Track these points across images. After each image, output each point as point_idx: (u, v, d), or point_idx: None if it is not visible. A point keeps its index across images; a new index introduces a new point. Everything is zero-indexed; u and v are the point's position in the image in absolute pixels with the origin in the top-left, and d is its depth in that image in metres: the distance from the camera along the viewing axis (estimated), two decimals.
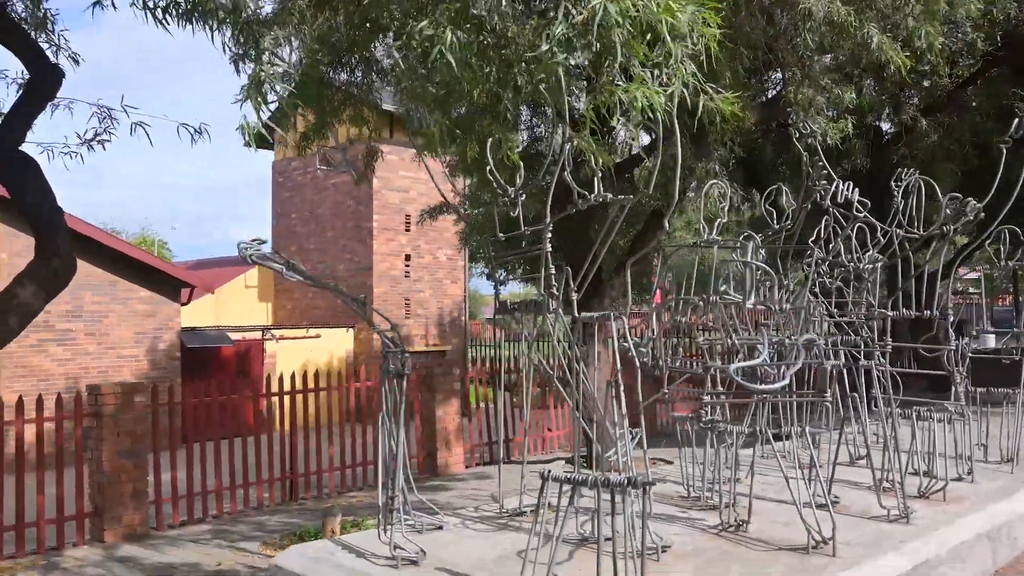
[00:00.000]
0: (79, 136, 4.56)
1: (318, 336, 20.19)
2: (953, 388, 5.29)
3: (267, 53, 3.49)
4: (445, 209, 13.04)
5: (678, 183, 3.67)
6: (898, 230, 5.37)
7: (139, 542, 7.10)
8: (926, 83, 10.76)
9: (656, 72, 3.48)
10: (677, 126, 3.64)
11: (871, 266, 4.80)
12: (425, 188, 18.62)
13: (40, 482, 7.02)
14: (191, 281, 17.82)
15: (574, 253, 9.57)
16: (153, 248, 46.85)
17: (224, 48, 4.31)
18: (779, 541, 4.19)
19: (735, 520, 4.43)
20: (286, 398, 8.98)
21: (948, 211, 4.77)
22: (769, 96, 9.81)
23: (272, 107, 4.68)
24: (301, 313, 22.65)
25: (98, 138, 4.52)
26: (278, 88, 3.51)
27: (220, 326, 19.75)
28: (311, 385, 9.22)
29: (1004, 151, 5.20)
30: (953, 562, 4.38)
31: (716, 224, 5.09)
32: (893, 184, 5.54)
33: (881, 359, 4.85)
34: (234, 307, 22.99)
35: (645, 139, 12.08)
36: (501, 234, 4.99)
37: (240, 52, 3.60)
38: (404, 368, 4.10)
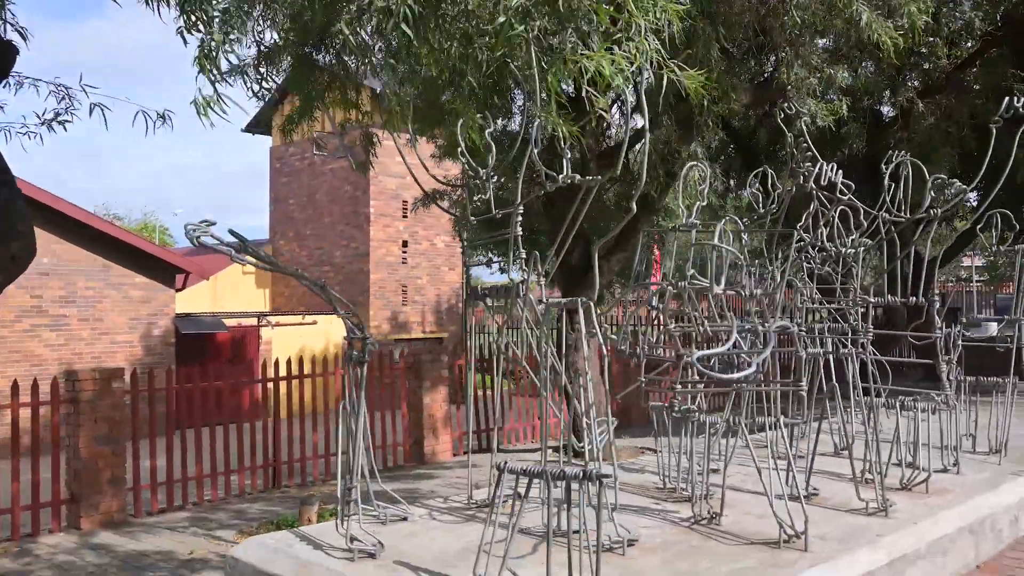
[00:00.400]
0: (38, 116, 4.42)
1: (314, 322, 20.09)
2: (942, 377, 5.14)
3: (217, 20, 3.34)
4: (438, 195, 12.93)
5: (645, 162, 3.53)
6: (884, 214, 5.23)
7: (116, 529, 7.02)
8: (925, 65, 10.56)
9: (619, 47, 3.34)
10: (645, 103, 3.49)
11: (853, 250, 4.64)
12: (422, 174, 18.48)
13: (15, 468, 6.93)
14: (186, 267, 17.73)
15: (558, 234, 9.45)
16: (154, 234, 46.90)
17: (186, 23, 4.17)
18: (752, 535, 4.06)
19: (708, 512, 4.30)
20: (270, 385, 8.89)
21: (932, 193, 4.61)
22: (764, 78, 9.63)
23: (231, 78, 4.50)
24: (299, 299, 22.58)
25: (58, 119, 4.38)
26: (232, 58, 3.35)
27: (215, 312, 19.67)
28: (295, 372, 9.11)
29: (994, 131, 5.03)
30: (933, 556, 4.26)
31: (695, 208, 4.94)
32: (883, 167, 5.39)
33: (862, 347, 4.70)
34: (232, 293, 22.93)
35: (639, 121, 11.91)
36: (472, 217, 4.87)
37: (189, 21, 3.44)
38: (364, 355, 3.96)
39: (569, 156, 4.07)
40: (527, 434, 10.74)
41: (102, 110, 4.21)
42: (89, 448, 7.12)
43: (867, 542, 3.99)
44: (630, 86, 3.31)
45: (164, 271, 17.36)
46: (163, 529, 6.99)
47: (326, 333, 20.44)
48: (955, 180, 4.44)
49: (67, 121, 4.39)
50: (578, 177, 3.99)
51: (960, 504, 4.75)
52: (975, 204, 14.69)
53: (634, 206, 3.57)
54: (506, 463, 3.20)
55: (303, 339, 19.75)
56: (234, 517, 7.34)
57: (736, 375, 3.10)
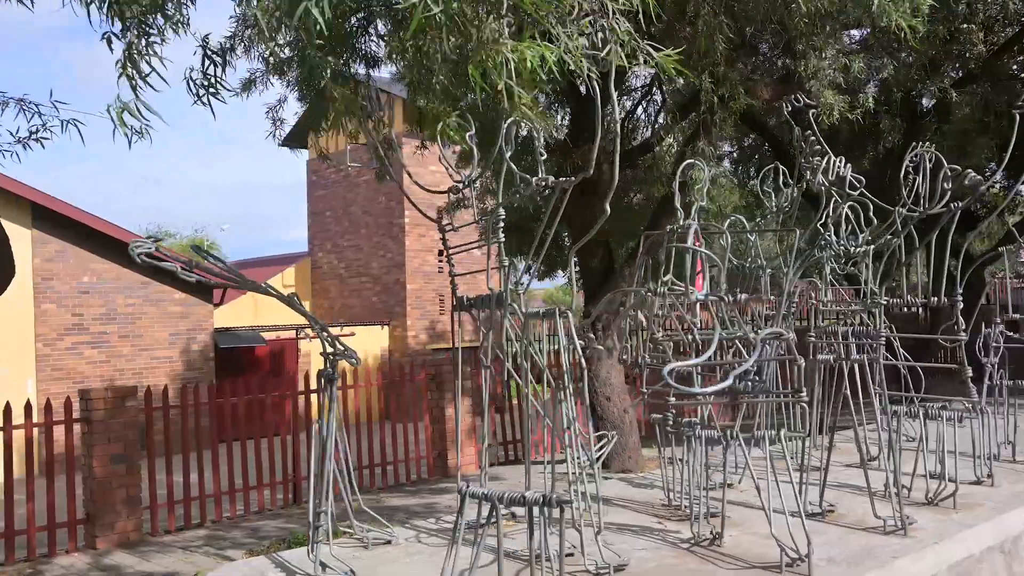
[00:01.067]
0: (12, 134, 4.36)
1: (352, 334, 20.07)
2: (967, 382, 4.78)
3: (138, 22, 3.18)
4: (463, 203, 12.77)
5: (617, 161, 3.30)
6: (900, 209, 4.90)
7: (131, 549, 6.97)
8: (963, 53, 10.09)
9: (586, 31, 3.12)
10: (613, 91, 3.27)
11: (862, 248, 4.34)
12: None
13: (30, 489, 6.93)
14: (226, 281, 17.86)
15: (579, 239, 9.20)
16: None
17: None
18: (754, 557, 3.78)
19: (711, 533, 4.03)
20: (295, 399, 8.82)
21: (945, 185, 4.28)
22: (786, 72, 9.28)
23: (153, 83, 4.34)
24: (338, 311, 22.63)
25: (33, 136, 4.31)
26: (154, 63, 3.20)
27: (254, 326, 19.79)
28: (313, 387, 9.04)
29: (1019, 118, 4.69)
30: None
31: (693, 208, 4.68)
32: (908, 160, 5.07)
33: (877, 351, 4.38)
34: (272, 306, 23.04)
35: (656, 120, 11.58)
36: (450, 225, 4.68)
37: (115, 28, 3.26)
38: (333, 372, 3.80)
39: (545, 156, 3.86)
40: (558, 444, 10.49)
41: (76, 126, 4.13)
42: (103, 467, 7.10)
43: (878, 565, 3.68)
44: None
45: (202, 287, 17.51)
46: (177, 548, 6.93)
47: (365, 343, 20.42)
48: (969, 171, 4.10)
49: (44, 139, 4.32)
50: (551, 179, 3.78)
51: (990, 520, 4.40)
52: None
53: (607, 208, 3.34)
54: (468, 486, 2.99)
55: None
56: (249, 535, 7.25)
57: (708, 389, 2.85)
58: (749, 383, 4.12)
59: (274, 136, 8.51)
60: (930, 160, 4.93)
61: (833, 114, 6.75)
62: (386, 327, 21.07)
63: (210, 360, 17.65)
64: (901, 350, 6.09)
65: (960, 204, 4.70)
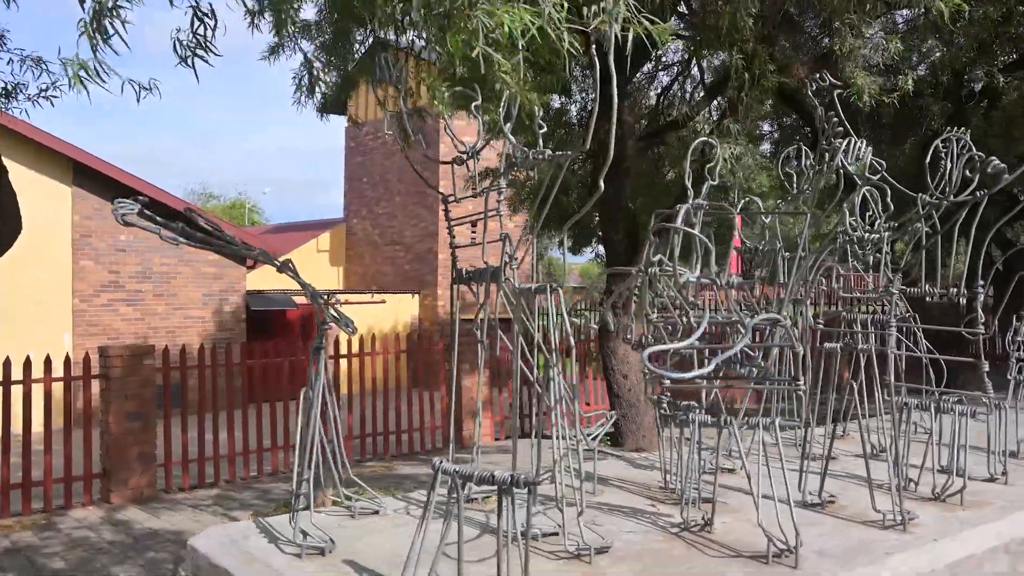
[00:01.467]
0: (22, 90, 4.35)
1: (383, 301, 20.19)
2: (983, 376, 4.61)
3: None
4: (499, 172, 12.67)
5: (612, 137, 3.19)
6: (924, 196, 4.72)
7: (143, 505, 7.09)
8: (1017, 35, 9.70)
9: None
10: (612, 64, 3.15)
11: (878, 235, 4.18)
12: (490, 152, 18.29)
13: (48, 442, 7.07)
14: (255, 244, 18.03)
15: (607, 217, 9.07)
16: (244, 213, 48.28)
17: None
18: (744, 546, 3.69)
19: (703, 519, 3.95)
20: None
21: (968, 173, 4.09)
22: (824, 51, 9.00)
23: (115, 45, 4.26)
24: (371, 278, 22.75)
25: (43, 94, 4.31)
26: (118, 24, 3.14)
27: (286, 290, 19.98)
28: (343, 351, 9.11)
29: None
30: None
31: (705, 187, 4.56)
32: (940, 145, 4.87)
33: (881, 341, 4.23)
34: (306, 271, 23.15)
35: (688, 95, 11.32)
36: (453, 196, 4.60)
37: None
38: (320, 341, 3.77)
39: (544, 128, 3.77)
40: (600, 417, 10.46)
41: (83, 82, 4.09)
42: (119, 424, 7.20)
43: (870, 561, 3.57)
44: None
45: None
46: (187, 507, 7.03)
47: (395, 311, 20.53)
48: (993, 158, 3.91)
49: (54, 96, 4.31)
50: (549, 153, 3.69)
51: (998, 520, 4.26)
52: None
53: (601, 184, 3.24)
54: (441, 462, 2.94)
55: (372, 318, 19.85)
56: (258, 497, 7.33)
57: (686, 375, 2.75)
58: (753, 369, 4.01)
59: (299, 102, 8.46)
60: (962, 147, 4.74)
61: (863, 96, 6.52)
62: (416, 296, 21.12)
63: (242, 322, 17.87)
64: (924, 341, 5.92)
65: (987, 192, 4.51)
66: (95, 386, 7.38)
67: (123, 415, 7.19)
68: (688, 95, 11.86)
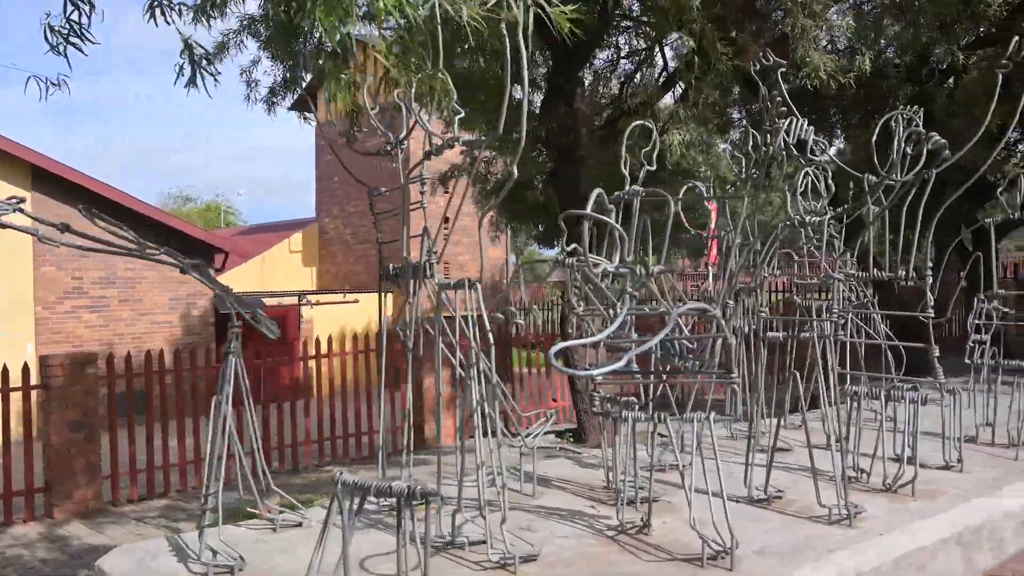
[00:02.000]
0: None
1: (356, 301, 19.90)
2: (933, 362, 4.45)
3: None
4: (457, 172, 12.45)
5: (524, 126, 2.99)
6: (872, 176, 4.56)
7: (88, 519, 6.84)
8: (978, 13, 9.56)
9: None
10: (523, 44, 2.95)
11: (817, 219, 4.01)
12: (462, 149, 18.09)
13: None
14: (223, 247, 17.75)
15: (566, 206, 8.88)
16: (219, 215, 47.77)
17: None
18: (680, 548, 3.52)
19: (642, 520, 3.77)
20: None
21: (909, 151, 3.93)
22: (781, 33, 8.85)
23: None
24: (344, 278, 22.47)
25: None
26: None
27: (258, 292, 19.67)
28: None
29: (1001, 77, 4.32)
30: (903, 573, 3.64)
31: (642, 172, 4.38)
32: (893, 124, 4.71)
33: (825, 328, 4.06)
34: (279, 272, 22.97)
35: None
36: (383, 188, 4.42)
37: None
38: (230, 345, 3.56)
39: (461, 113, 3.58)
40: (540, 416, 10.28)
41: (37, 81, 3.85)
42: (61, 435, 6.95)
43: (812, 559, 3.40)
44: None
45: (202, 251, 17.36)
46: (132, 520, 6.79)
47: (368, 311, 20.26)
48: (934, 134, 3.75)
49: None
50: (464, 138, 3.52)
51: (950, 509, 4.10)
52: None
53: (515, 170, 3.05)
54: (341, 473, 2.74)
55: (345, 318, 19.63)
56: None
57: (596, 371, 2.57)
58: (690, 362, 3.84)
59: (248, 99, 8.23)
60: (914, 125, 4.58)
61: (819, 75, 6.35)
62: (389, 295, 20.85)
63: (210, 326, 17.56)
64: (884, 327, 5.76)
65: (935, 170, 4.36)
66: (41, 396, 7.12)
67: (65, 425, 6.94)
68: (653, 83, 11.70)
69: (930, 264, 4.48)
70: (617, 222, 4.47)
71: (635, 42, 11.51)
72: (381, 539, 3.71)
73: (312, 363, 9.54)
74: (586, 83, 10.43)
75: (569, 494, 4.43)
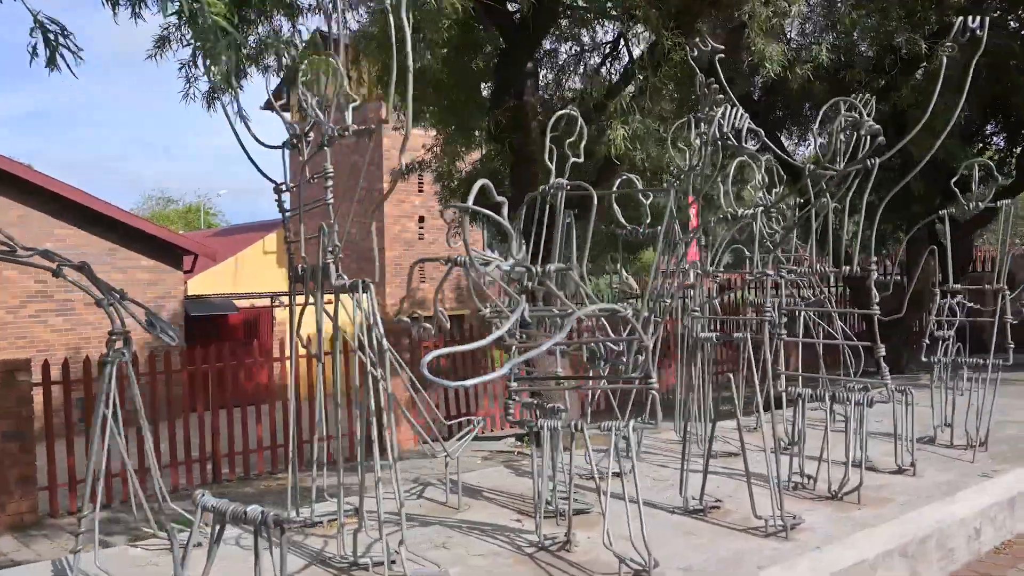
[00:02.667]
0: None
1: (328, 302, 19.58)
2: (879, 361, 4.22)
3: None
4: (416, 168, 12.17)
5: (409, 112, 2.75)
6: (811, 165, 4.33)
7: (20, 532, 6.57)
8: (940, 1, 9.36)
9: None
10: (407, 26, 2.71)
11: (750, 212, 3.77)
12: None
13: None
14: (193, 249, 17.42)
15: (517, 204, 8.63)
16: (199, 216, 47.27)
17: None
18: (601, 567, 3.27)
19: (566, 535, 3.53)
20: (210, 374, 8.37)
21: (843, 137, 3.70)
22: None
23: None
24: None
25: None
26: None
27: (229, 294, 19.35)
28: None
29: (945, 61, 4.09)
30: None
31: (567, 165, 4.13)
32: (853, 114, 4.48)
33: (762, 329, 3.82)
34: (252, 273, 22.59)
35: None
36: (285, 183, 4.17)
37: None
38: (108, 353, 3.31)
39: (356, 102, 3.32)
40: (496, 422, 10.04)
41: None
42: None
43: None
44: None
45: (171, 253, 17.04)
46: (65, 533, 6.51)
47: (343, 313, 19.97)
48: (868, 119, 3.52)
49: None
50: (354, 128, 3.27)
51: (896, 518, 3.87)
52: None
53: (402, 161, 2.80)
54: (203, 495, 2.49)
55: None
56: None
57: (471, 380, 2.33)
58: (620, 365, 3.61)
59: (187, 96, 7.92)
60: (864, 112, 4.36)
61: (769, 65, 6.12)
62: (366, 296, 20.55)
63: (180, 328, 17.23)
64: (841, 325, 5.54)
65: (877, 159, 4.13)
66: None
67: None
68: (606, 76, 11.46)
69: (874, 258, 4.25)
70: (544, 218, 4.24)
71: (601, 35, 11.28)
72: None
73: (278, 365, 9.33)
74: (543, 77, 10.20)
75: (498, 507, 4.19)
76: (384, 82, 9.14)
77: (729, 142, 3.88)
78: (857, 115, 3.89)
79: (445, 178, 11.86)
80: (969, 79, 4.06)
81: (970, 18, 3.92)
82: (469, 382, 2.24)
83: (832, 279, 4.65)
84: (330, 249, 3.37)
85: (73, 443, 7.26)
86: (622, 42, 10.67)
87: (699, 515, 3.89)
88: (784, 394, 4.22)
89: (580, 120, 4.02)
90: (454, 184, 12.07)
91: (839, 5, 9.65)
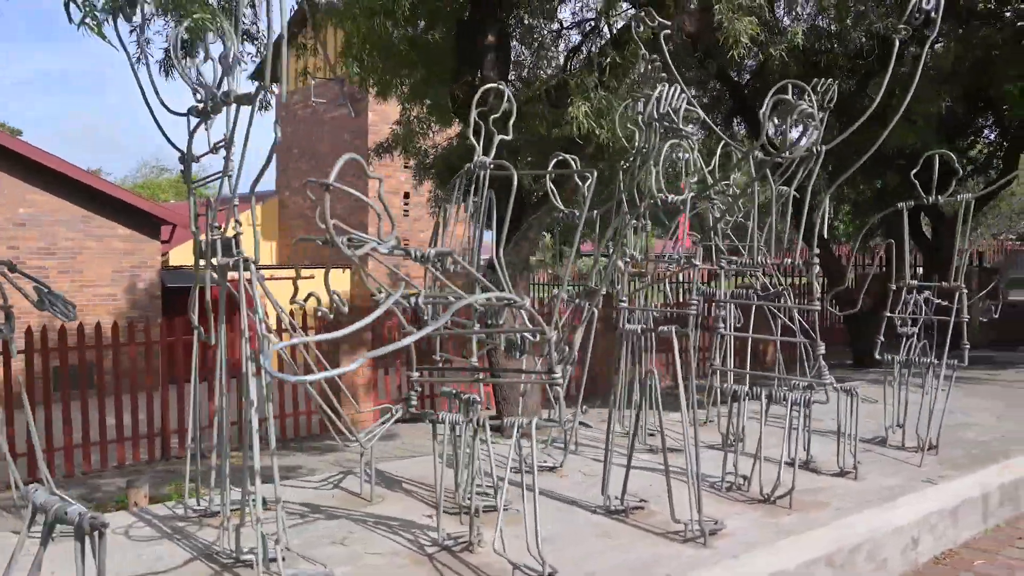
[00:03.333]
0: None
1: (311, 277, 19.37)
2: (819, 360, 4.01)
3: None
4: (394, 145, 11.90)
5: (284, 73, 2.52)
6: (758, 153, 4.10)
7: None
8: None
9: None
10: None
11: (680, 198, 3.55)
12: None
13: None
14: (170, 219, 17.17)
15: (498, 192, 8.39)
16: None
17: None
18: (497, 572, 3.08)
19: (475, 537, 3.33)
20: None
21: (773, 122, 3.46)
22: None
23: None
24: (304, 252, 21.91)
25: None
26: None
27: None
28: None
29: (898, 44, 3.86)
30: None
31: (494, 143, 3.90)
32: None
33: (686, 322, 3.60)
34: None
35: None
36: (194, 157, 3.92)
37: None
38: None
39: (242, 63, 3.08)
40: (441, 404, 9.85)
41: None
42: None
43: None
44: None
45: (148, 222, 16.77)
46: None
47: (323, 288, 19.76)
48: (802, 103, 3.29)
49: None
50: (237, 94, 3.03)
51: (825, 525, 3.68)
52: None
53: (277, 131, 2.57)
54: (36, 490, 2.28)
55: (301, 294, 19.04)
56: (86, 495, 6.66)
57: (311, 376, 2.13)
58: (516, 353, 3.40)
59: (139, 62, 7.63)
60: (825, 95, 4.13)
61: (738, 41, 5.86)
62: (347, 271, 20.34)
63: (157, 299, 17.00)
64: (800, 319, 5.32)
65: (823, 147, 3.90)
66: None
67: None
68: (565, 53, 11.18)
69: (817, 251, 4.03)
70: (470, 196, 4.02)
71: (583, 13, 11.01)
72: (163, 553, 3.25)
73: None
74: (519, 52, 9.93)
75: (415, 500, 4.00)
76: (352, 54, 8.89)
77: (665, 123, 3.66)
78: (808, 100, 3.66)
79: (414, 155, 11.61)
80: (921, 66, 3.82)
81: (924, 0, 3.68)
82: (309, 377, 2.03)
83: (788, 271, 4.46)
84: (215, 224, 3.13)
85: (12, 415, 7.05)
86: (603, 20, 10.41)
87: (620, 516, 3.70)
88: (718, 391, 4.04)
89: (508, 94, 3.79)
90: (427, 161, 11.81)
91: None
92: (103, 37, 3.86)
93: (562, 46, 11.36)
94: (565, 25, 10.83)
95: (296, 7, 9.44)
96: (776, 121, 3.54)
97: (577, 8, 10.52)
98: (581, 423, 5.56)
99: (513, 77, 10.40)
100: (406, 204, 21.00)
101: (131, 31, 3.87)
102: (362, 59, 8.34)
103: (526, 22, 10.30)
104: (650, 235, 4.50)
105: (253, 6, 4.98)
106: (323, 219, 2.38)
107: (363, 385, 9.13)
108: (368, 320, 2.29)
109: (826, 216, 5.58)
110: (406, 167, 20.51)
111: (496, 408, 8.51)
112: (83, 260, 16.19)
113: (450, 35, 8.66)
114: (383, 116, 19.79)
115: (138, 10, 3.19)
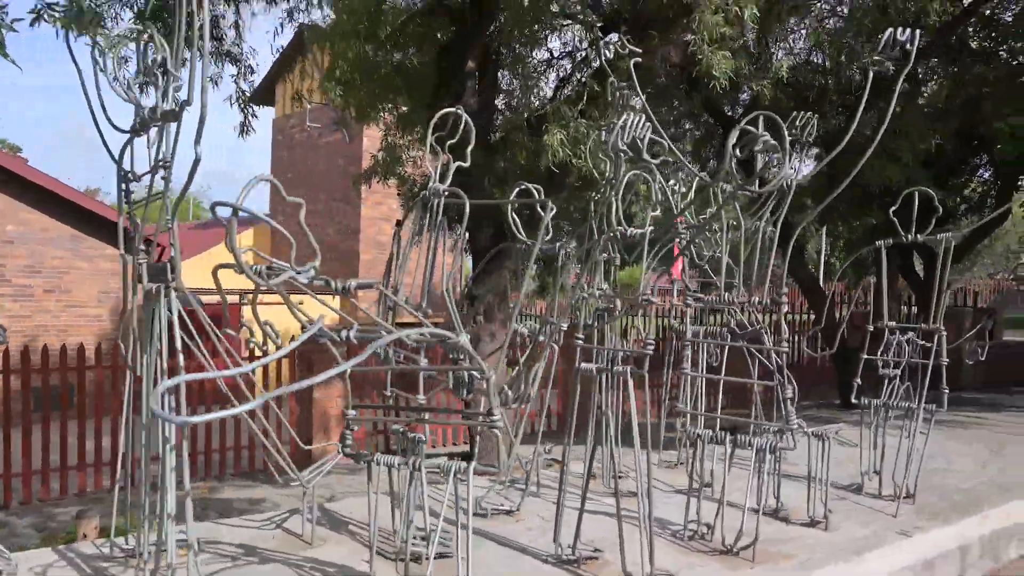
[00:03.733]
0: None
1: (300, 302, 19.21)
2: (785, 403, 3.82)
3: None
4: (378, 172, 11.78)
5: (204, 92, 2.37)
6: (726, 185, 3.95)
7: None
8: (917, 21, 9.00)
9: None
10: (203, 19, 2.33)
11: (639, 232, 3.39)
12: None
13: None
14: (161, 241, 17.02)
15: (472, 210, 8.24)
16: (188, 207, 46.83)
17: None
18: None
19: None
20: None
21: (736, 154, 3.30)
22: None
23: None
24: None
25: None
26: None
27: (198, 289, 18.88)
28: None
29: (871, 76, 3.72)
30: None
31: (452, 167, 3.76)
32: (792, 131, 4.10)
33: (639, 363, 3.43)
34: (230, 268, 22.18)
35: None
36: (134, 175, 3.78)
37: None
38: None
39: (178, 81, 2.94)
40: (451, 435, 9.64)
41: None
42: None
43: None
44: None
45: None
46: None
47: (313, 312, 19.58)
48: (765, 134, 3.13)
49: None
50: (163, 109, 2.89)
51: None
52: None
53: (199, 150, 2.42)
54: None
55: (290, 318, 18.87)
56: (39, 524, 6.44)
57: (197, 417, 1.95)
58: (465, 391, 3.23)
59: (116, 80, 7.51)
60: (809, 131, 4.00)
61: (715, 76, 5.73)
62: (337, 296, 20.16)
63: (143, 321, 16.80)
64: (777, 360, 5.14)
65: (796, 180, 3.76)
66: None
67: None
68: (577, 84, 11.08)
69: (785, 290, 3.86)
70: (428, 223, 3.87)
71: (575, 43, 10.94)
72: None
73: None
74: (507, 83, 9.84)
75: (358, 543, 3.79)
76: (335, 76, 8.78)
77: (627, 153, 3.51)
78: (786, 133, 3.51)
79: (400, 183, 11.50)
80: (894, 100, 3.68)
81: (899, 31, 3.54)
82: (194, 419, 1.84)
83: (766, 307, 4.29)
84: (142, 245, 2.97)
85: None
86: (590, 50, 10.33)
87: (571, 566, 3.50)
88: (685, 434, 3.85)
89: (466, 119, 3.65)
90: (416, 189, 11.68)
91: (825, 23, 9.31)
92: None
93: (553, 76, 11.30)
94: (556, 55, 10.76)
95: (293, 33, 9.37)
96: (749, 153, 3.39)
97: (568, 38, 10.40)
98: (553, 460, 5.36)
99: (503, 106, 10.32)
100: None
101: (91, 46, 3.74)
102: (344, 82, 8.24)
103: (517, 51, 10.22)
104: (635, 268, 4.34)
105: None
106: (229, 246, 2.20)
107: (336, 416, 8.92)
108: (281, 354, 2.12)
109: (823, 254, 5.40)
110: (399, 195, 20.52)
111: (470, 442, 8.30)
112: (71, 280, 16.07)
113: (433, 61, 8.57)
114: (375, 142, 19.74)
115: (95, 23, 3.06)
